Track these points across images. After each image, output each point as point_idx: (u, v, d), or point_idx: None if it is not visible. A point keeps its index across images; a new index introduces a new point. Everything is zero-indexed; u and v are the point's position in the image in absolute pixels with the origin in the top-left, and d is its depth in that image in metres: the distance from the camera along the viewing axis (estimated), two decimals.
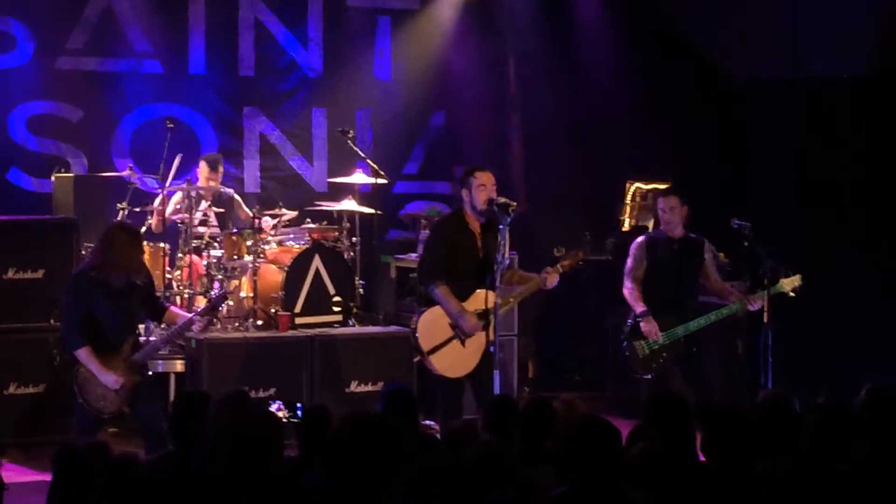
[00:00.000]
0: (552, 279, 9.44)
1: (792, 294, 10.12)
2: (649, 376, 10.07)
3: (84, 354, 8.76)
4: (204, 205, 11.98)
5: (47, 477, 8.84)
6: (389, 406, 6.91)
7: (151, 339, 9.04)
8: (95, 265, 8.83)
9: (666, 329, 10.01)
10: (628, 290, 10.16)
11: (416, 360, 9.50)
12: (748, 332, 11.59)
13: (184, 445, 6.44)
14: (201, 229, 11.68)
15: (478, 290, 9.23)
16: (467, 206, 9.36)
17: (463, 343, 9.25)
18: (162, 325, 9.88)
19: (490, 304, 9.16)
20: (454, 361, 9.26)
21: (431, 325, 9.27)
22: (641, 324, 10.03)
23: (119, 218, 11.29)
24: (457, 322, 9.20)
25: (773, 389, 8.92)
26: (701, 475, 5.97)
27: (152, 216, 11.76)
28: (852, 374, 9.50)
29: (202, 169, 12.06)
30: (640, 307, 10.07)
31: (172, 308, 9.42)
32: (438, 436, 8.83)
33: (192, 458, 6.18)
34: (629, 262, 10.24)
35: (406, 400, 6.98)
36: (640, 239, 10.37)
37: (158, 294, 10.00)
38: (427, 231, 12.33)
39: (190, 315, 9.12)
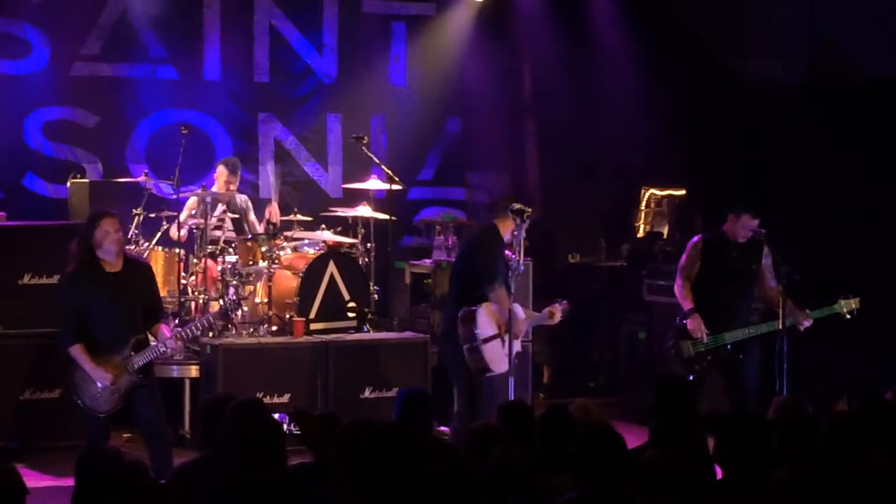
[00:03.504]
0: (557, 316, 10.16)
1: (848, 317, 10.05)
2: (690, 378, 9.92)
3: (76, 352, 8.76)
4: (219, 210, 11.97)
5: (62, 482, 8.91)
6: (405, 410, 6.92)
7: (157, 345, 8.96)
8: (82, 257, 8.82)
9: (714, 333, 9.94)
10: (678, 287, 10.11)
11: (465, 347, 9.66)
12: (763, 338, 11.56)
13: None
14: (217, 233, 11.68)
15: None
16: (504, 230, 9.83)
17: (503, 342, 9.68)
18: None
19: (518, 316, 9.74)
20: (498, 356, 9.71)
21: (488, 317, 9.70)
22: (688, 321, 9.96)
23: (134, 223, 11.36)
24: (509, 320, 9.57)
25: (787, 395, 8.90)
26: (713, 482, 5.97)
27: (171, 223, 11.70)
28: (868, 380, 9.48)
29: (220, 172, 12.05)
30: (687, 304, 9.99)
31: (163, 325, 9.12)
32: (449, 440, 8.89)
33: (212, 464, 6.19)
34: (683, 259, 10.19)
35: (422, 404, 7.00)
36: (696, 238, 10.27)
37: (170, 303, 9.96)
38: (441, 237, 12.41)
39: (160, 341, 8.90)
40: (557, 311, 10.20)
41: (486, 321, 9.71)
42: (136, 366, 8.81)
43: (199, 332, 9.43)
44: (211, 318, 9.60)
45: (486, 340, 9.68)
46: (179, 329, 9.31)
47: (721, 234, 10.15)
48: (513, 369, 9.39)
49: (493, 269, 9.82)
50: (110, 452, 6.11)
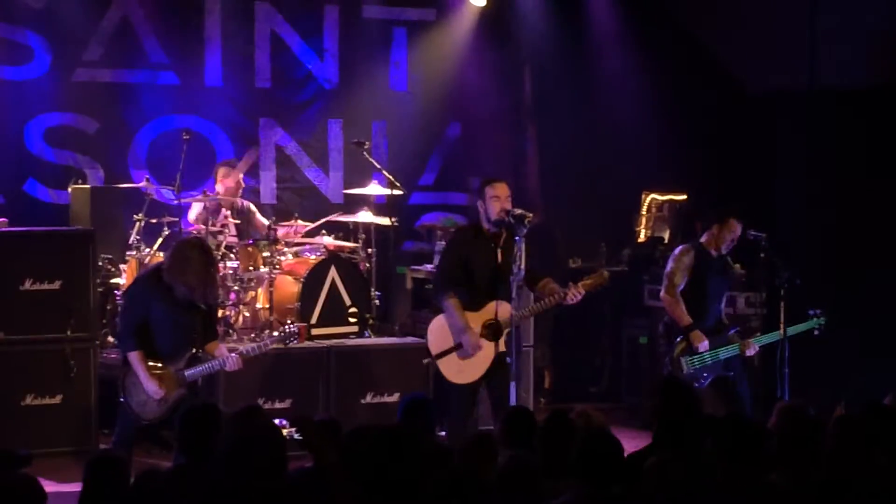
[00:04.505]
0: (573, 294, 9.41)
1: (816, 332, 10.04)
2: None
3: (134, 358, 8.88)
4: (222, 215, 11.95)
5: (62, 488, 8.90)
6: (408, 415, 6.92)
7: (215, 361, 9.06)
8: (161, 270, 8.96)
9: (712, 349, 9.89)
10: (670, 299, 10.00)
11: (425, 361, 9.62)
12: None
13: (193, 458, 6.44)
14: (219, 238, 11.65)
15: (492, 301, 9.29)
16: (483, 218, 9.46)
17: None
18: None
19: (502, 316, 9.22)
20: (461, 368, 9.41)
21: (440, 331, 9.46)
22: (691, 336, 9.88)
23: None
24: (458, 338, 9.33)
25: (789, 400, 8.88)
26: (713, 487, 5.97)
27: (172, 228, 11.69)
28: (869, 385, 9.47)
29: (223, 173, 11.99)
30: (686, 319, 9.93)
31: (220, 344, 9.35)
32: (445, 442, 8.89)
33: (204, 472, 6.18)
34: (671, 266, 10.05)
35: (425, 409, 7.00)
36: (686, 246, 10.17)
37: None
38: (442, 242, 12.36)
39: (219, 358, 9.06)
40: (572, 290, 9.37)
41: (437, 336, 9.44)
42: (188, 379, 8.89)
43: (257, 355, 9.52)
44: (269, 342, 9.65)
45: (441, 355, 9.41)
46: (243, 349, 9.36)
47: (702, 245, 10.10)
48: (513, 375, 9.31)
49: (442, 276, 9.60)
50: (121, 457, 6.13)
